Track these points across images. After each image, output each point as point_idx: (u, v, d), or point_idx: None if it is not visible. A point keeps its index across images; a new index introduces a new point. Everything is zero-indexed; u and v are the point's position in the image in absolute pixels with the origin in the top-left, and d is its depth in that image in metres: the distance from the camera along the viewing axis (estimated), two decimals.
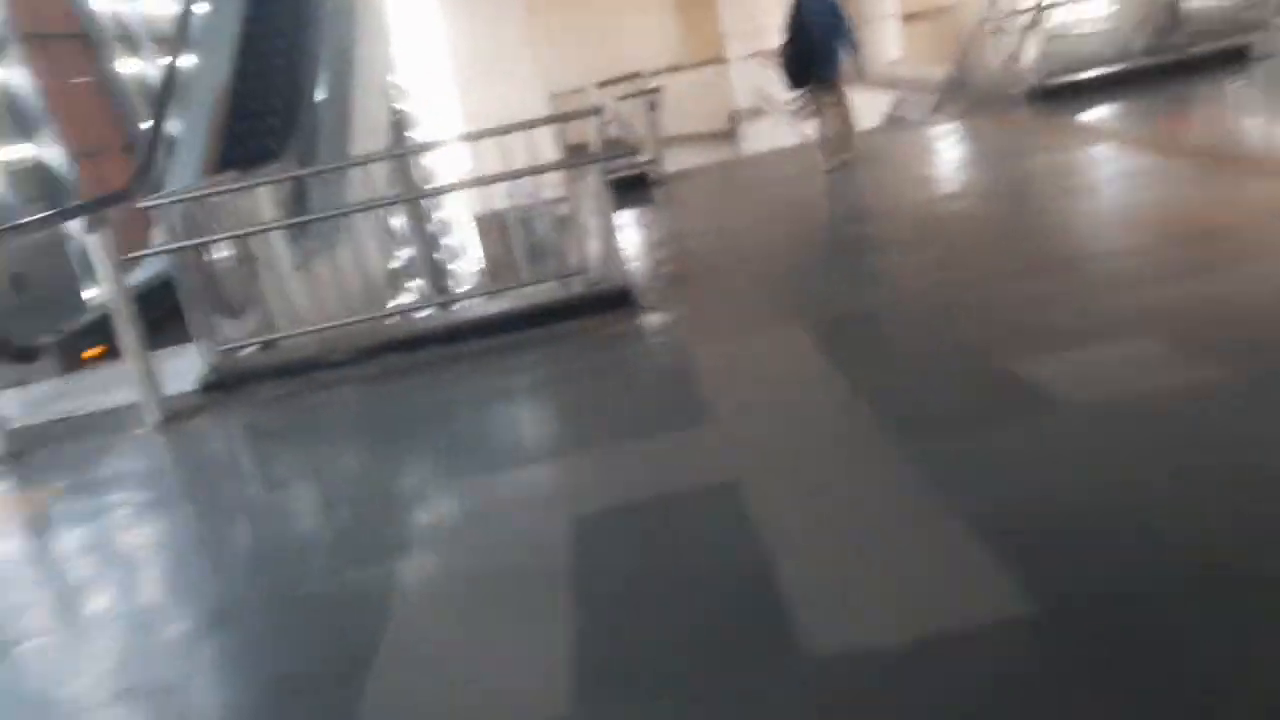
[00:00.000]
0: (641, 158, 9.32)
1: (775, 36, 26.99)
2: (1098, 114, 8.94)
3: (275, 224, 5.86)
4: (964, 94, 10.85)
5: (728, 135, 32.90)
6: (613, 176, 8.61)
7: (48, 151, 11.98)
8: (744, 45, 31.42)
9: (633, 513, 3.18)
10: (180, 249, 5.27)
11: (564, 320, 5.38)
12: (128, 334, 4.99)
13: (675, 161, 15.18)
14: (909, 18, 23.48)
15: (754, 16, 31.36)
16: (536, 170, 5.52)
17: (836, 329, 4.61)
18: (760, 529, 2.87)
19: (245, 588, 3.25)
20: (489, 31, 27.68)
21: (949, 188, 7.77)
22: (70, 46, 13.36)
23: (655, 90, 9.42)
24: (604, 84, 9.81)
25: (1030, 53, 9.86)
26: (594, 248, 5.60)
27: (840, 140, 9.15)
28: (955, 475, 2.94)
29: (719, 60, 32.58)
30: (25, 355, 6.53)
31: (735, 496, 3.11)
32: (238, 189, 5.81)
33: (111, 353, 6.72)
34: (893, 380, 3.86)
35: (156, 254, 5.54)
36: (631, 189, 9.12)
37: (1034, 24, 9.62)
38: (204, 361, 5.42)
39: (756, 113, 31.65)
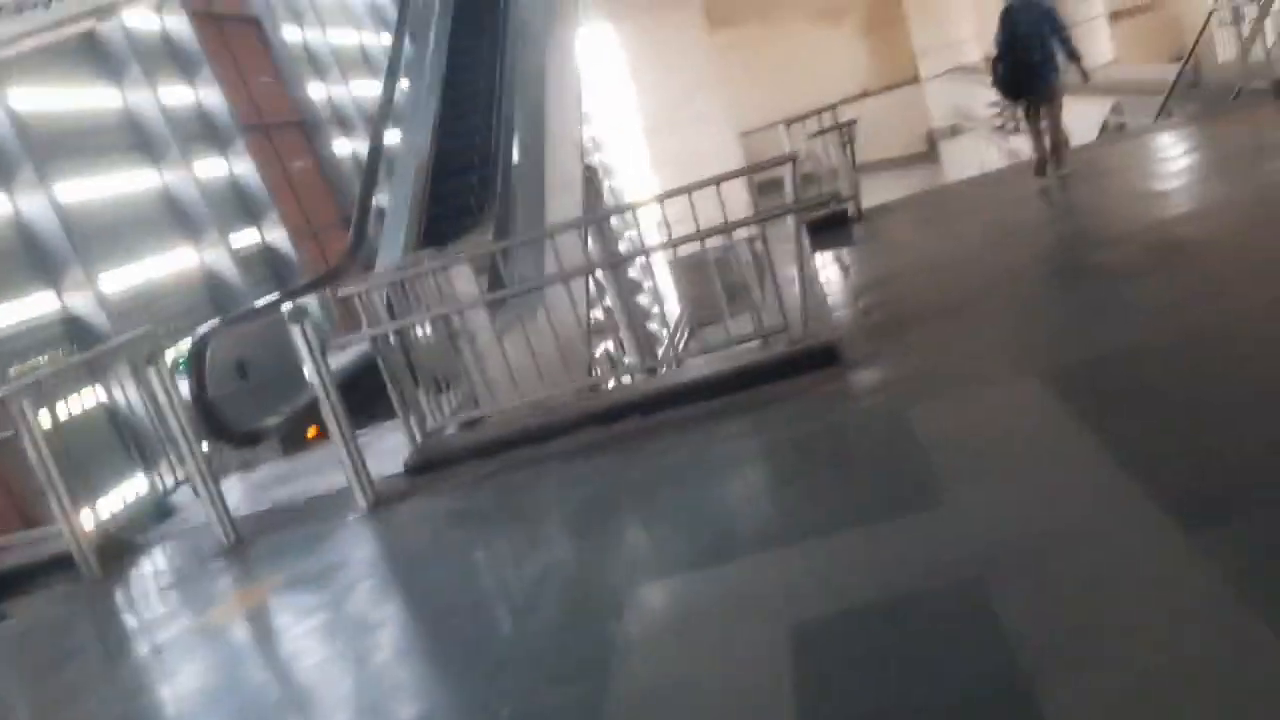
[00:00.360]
0: (840, 194, 8.87)
1: (970, 50, 25.69)
2: None
3: (473, 301, 5.83)
4: (1195, 94, 9.74)
5: (927, 157, 31.64)
6: (810, 217, 8.27)
7: (273, 234, 12.84)
8: (938, 62, 30.21)
9: (860, 620, 2.77)
10: (376, 335, 5.31)
11: (768, 383, 5.01)
12: (333, 422, 5.04)
13: (875, 193, 14.59)
14: (1116, 16, 21.78)
15: (946, 31, 30.16)
16: (728, 228, 5.21)
17: (1081, 379, 4.01)
18: (1017, 643, 2.41)
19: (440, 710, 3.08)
20: (674, 77, 27.94)
21: (1188, 204, 6.77)
22: (291, 134, 14.37)
23: (849, 124, 8.93)
24: (792, 121, 9.35)
25: (1271, 41, 8.72)
26: (794, 301, 5.22)
27: (1058, 154, 8.64)
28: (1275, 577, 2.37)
29: (912, 80, 31.45)
30: (250, 439, 6.84)
31: (983, 598, 2.65)
32: (432, 269, 5.82)
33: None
34: (1166, 444, 3.25)
35: (355, 340, 5.61)
36: (831, 228, 8.67)
37: (1267, 7, 8.49)
38: (409, 444, 5.43)
39: (956, 130, 30.29)
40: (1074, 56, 8.73)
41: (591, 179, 13.61)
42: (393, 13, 13.24)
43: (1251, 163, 7.16)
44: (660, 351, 13.39)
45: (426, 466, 5.42)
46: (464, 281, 6.34)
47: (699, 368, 5.46)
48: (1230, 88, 9.12)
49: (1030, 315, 5.20)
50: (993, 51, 9.01)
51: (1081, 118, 14.86)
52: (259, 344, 7.00)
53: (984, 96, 23.64)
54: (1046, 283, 5.81)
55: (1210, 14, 9.29)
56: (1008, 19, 8.75)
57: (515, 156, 10.78)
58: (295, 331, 4.96)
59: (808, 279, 5.39)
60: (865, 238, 8.55)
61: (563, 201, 10.55)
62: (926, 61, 30.53)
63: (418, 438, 5.46)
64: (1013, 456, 3.57)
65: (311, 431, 6.98)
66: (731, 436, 4.70)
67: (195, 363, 6.53)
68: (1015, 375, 4.25)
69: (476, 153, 10.93)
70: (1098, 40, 18.82)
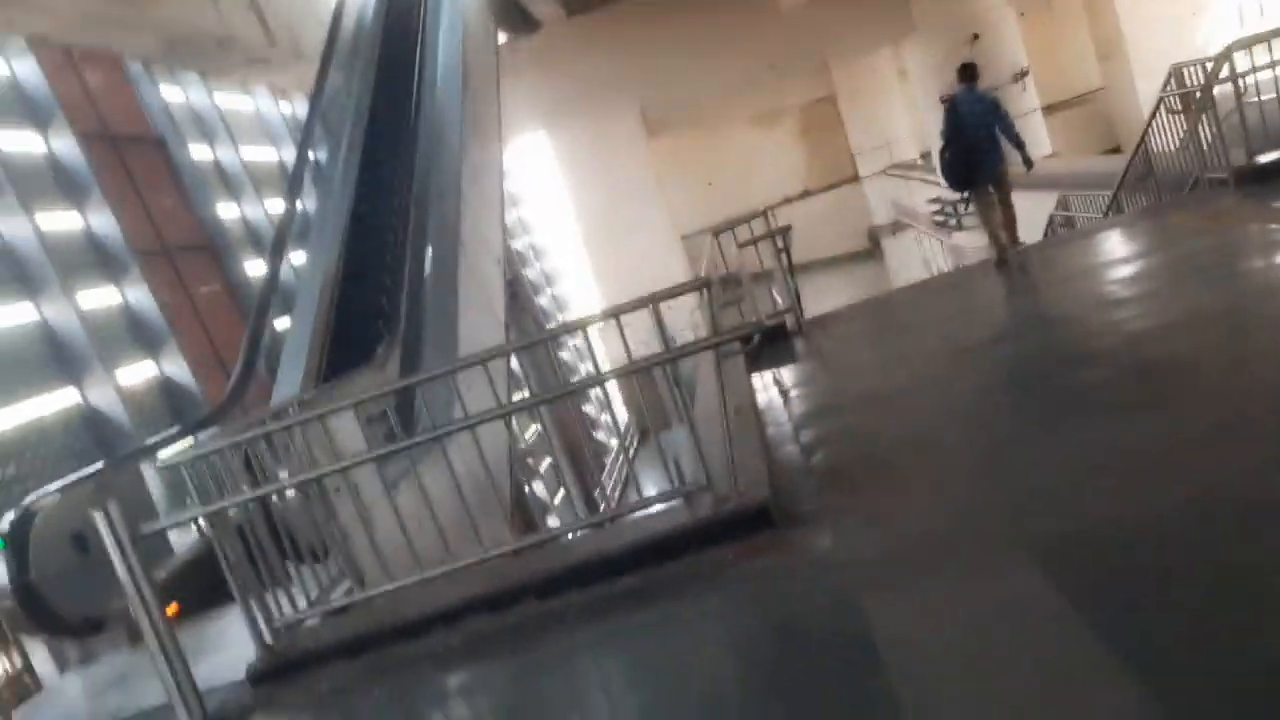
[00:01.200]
0: (767, 321, 8.08)
1: (906, 148, 25.88)
2: None
3: (355, 458, 4.83)
4: (1147, 186, 9.24)
5: (871, 254, 31.58)
6: (745, 333, 7.46)
7: (172, 366, 11.79)
8: (875, 160, 30.39)
9: None
10: (203, 514, 4.31)
11: (690, 553, 4.08)
12: (147, 626, 4.00)
13: (820, 293, 13.96)
14: (1050, 109, 21.90)
15: (882, 130, 30.42)
16: (632, 369, 4.35)
17: (1084, 560, 3.13)
18: None
19: None
20: (613, 185, 27.62)
21: (1165, 313, 5.91)
22: (197, 257, 13.44)
23: (784, 230, 8.22)
24: (719, 230, 8.61)
25: (1227, 128, 8.22)
26: (721, 450, 4.33)
27: (1012, 233, 8.87)
28: None
29: (852, 179, 31.57)
30: (90, 626, 5.71)
31: None
32: (299, 421, 4.85)
33: (188, 608, 5.85)
34: (1194, 655, 2.36)
35: (171, 526, 4.60)
36: (769, 343, 7.86)
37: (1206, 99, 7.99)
38: (255, 645, 4.38)
39: (898, 227, 30.30)
40: (1019, 144, 8.78)
41: (518, 293, 12.82)
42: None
43: (1223, 262, 6.50)
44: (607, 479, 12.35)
45: (277, 671, 4.36)
46: (347, 433, 5.38)
47: (605, 539, 4.51)
48: (1184, 178, 8.60)
49: (1005, 464, 4.29)
50: (936, 144, 9.22)
51: (1027, 213, 14.48)
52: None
53: (923, 193, 23.57)
54: (1019, 416, 4.92)
55: (1160, 101, 8.80)
56: (952, 109, 8.85)
57: (426, 274, 9.96)
58: (99, 519, 3.96)
59: (738, 420, 4.51)
60: (808, 354, 7.74)
61: (480, 321, 9.69)
62: (864, 160, 30.71)
63: (266, 636, 4.41)
64: (1005, 678, 2.65)
65: (171, 609, 5.84)
66: (641, 630, 3.75)
67: (15, 540, 5.45)
68: (997, 551, 3.35)
69: (388, 272, 10.08)
70: (1036, 133, 18.71)
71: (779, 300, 8.76)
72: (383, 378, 7.48)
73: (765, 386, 6.76)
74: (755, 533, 4.06)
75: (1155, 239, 7.89)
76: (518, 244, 27.96)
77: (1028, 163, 8.89)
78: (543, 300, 28.11)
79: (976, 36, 17.66)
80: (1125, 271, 7.17)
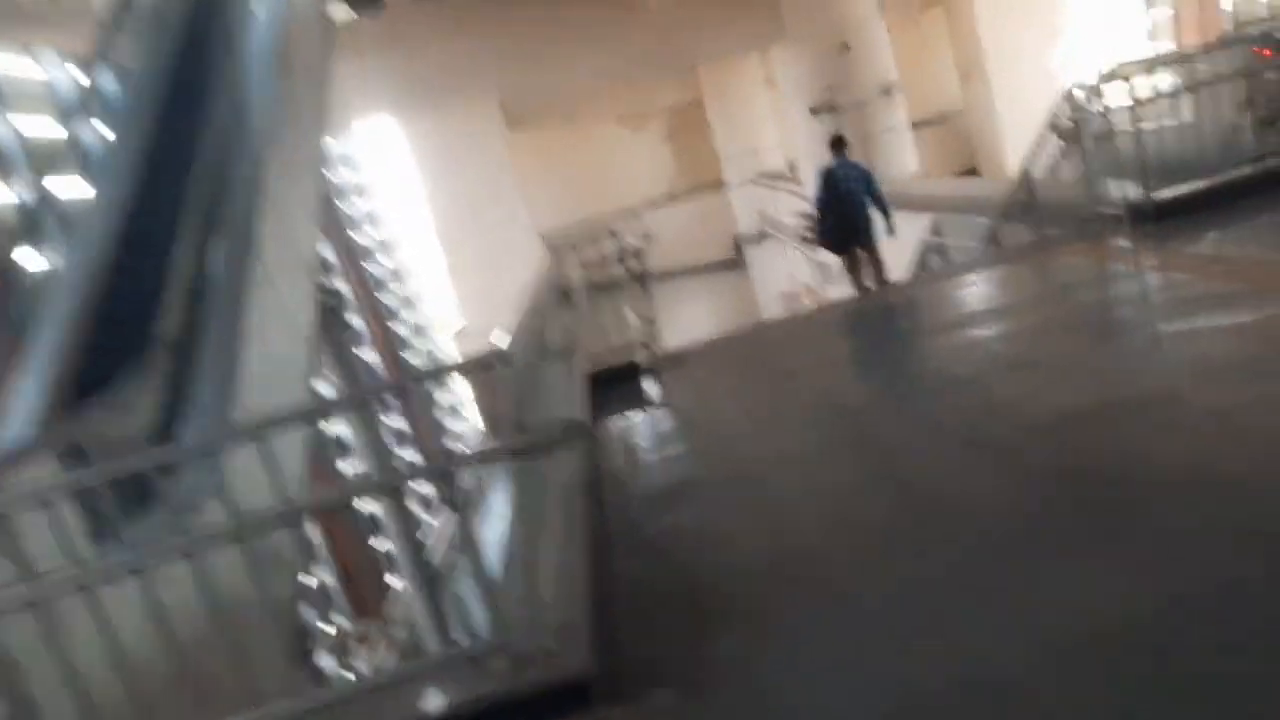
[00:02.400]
0: (630, 338, 6.89)
1: (774, 157, 25.21)
2: (1238, 240, 6.52)
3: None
4: (1033, 216, 8.49)
5: (735, 263, 30.91)
6: (594, 370, 6.25)
7: None
8: (743, 168, 29.72)
9: None
10: None
11: None
12: None
13: (680, 305, 13.04)
14: (914, 126, 21.54)
15: (749, 138, 29.76)
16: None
17: None
18: None
19: None
20: (471, 178, 25.97)
21: (1080, 388, 4.84)
22: None
23: (636, 251, 7.03)
24: (559, 247, 7.37)
25: (1122, 158, 7.50)
26: (526, 587, 3.06)
27: (878, 284, 9.70)
28: None
29: (718, 185, 30.82)
30: None
31: None
32: None
33: None
34: None
35: None
36: (616, 384, 6.65)
37: (1129, 121, 7.24)
38: None
39: (764, 237, 29.73)
40: (886, 213, 9.65)
41: (337, 307, 11.20)
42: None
43: (1145, 314, 5.66)
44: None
45: None
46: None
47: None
48: (1070, 210, 7.85)
49: (911, 606, 3.18)
50: (811, 208, 10.02)
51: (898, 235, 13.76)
52: None
53: (789, 204, 22.92)
54: (924, 528, 3.80)
55: (1053, 124, 8.05)
56: (830, 179, 9.53)
57: (210, 280, 8.30)
58: None
59: (563, 518, 3.27)
60: (661, 401, 6.56)
61: (274, 342, 8.11)
62: (731, 167, 30.01)
63: None
64: None
65: None
66: None
67: None
68: None
69: (162, 277, 8.36)
70: (902, 151, 18.19)
71: (634, 323, 7.60)
72: (125, 424, 5.90)
73: (608, 442, 5.53)
74: (567, 717, 2.81)
75: (1046, 283, 7.06)
76: (364, 240, 26.00)
77: (891, 230, 9.67)
78: (388, 297, 26.25)
79: (847, 46, 16.97)
80: (1016, 324, 6.25)
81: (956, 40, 26.82)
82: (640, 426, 5.90)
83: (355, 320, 23.31)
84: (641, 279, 7.14)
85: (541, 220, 27.83)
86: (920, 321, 7.15)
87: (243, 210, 9.10)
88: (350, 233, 24.97)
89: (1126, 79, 7.52)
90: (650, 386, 6.61)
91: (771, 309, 29.62)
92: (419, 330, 26.97)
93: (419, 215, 27.56)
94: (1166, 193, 7.11)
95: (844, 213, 9.32)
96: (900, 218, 14.12)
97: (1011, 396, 4.87)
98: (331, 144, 25.53)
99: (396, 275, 28.12)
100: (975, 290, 7.38)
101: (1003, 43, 25.35)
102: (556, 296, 7.18)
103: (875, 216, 9.49)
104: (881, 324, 7.23)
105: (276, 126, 10.28)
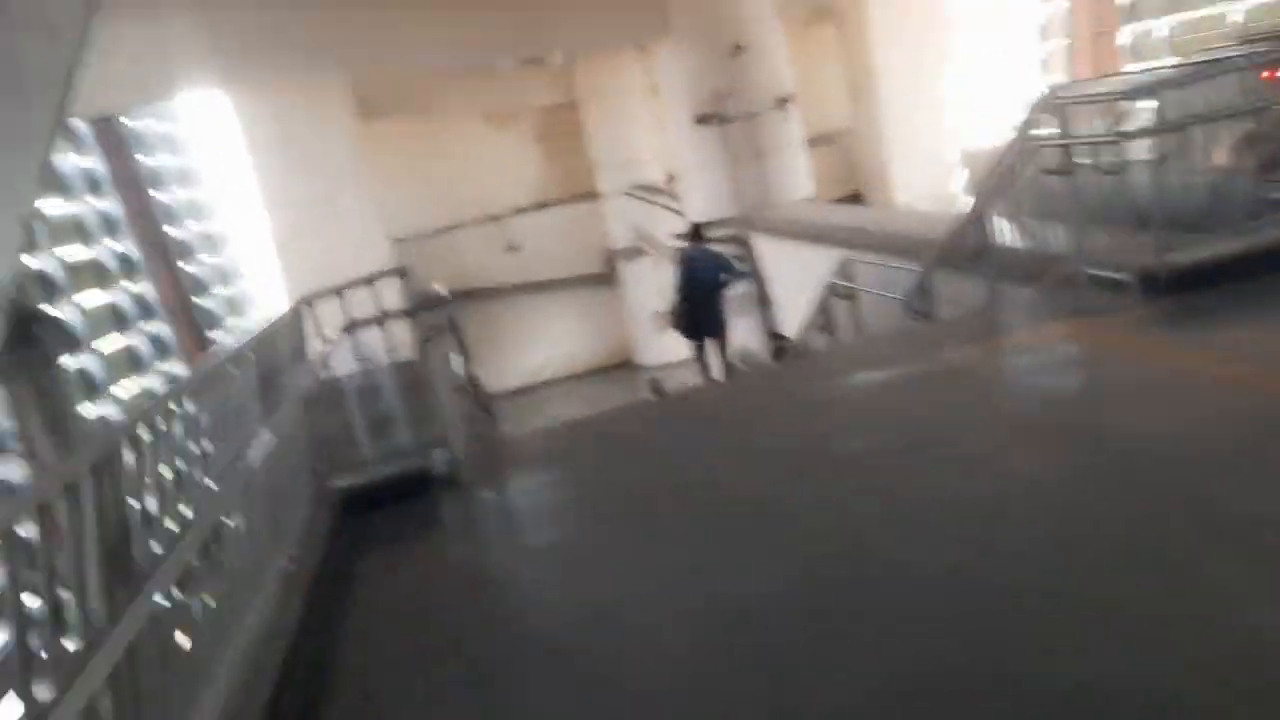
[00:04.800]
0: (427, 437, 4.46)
1: (651, 170, 23.15)
2: None
3: None
4: (984, 269, 6.47)
5: (606, 278, 28.67)
6: (363, 485, 3.87)
7: None
8: (618, 179, 27.49)
9: None
10: None
11: None
12: None
13: (547, 323, 11.64)
14: (811, 142, 19.82)
15: (625, 147, 27.59)
16: None
17: None
18: None
19: None
20: (314, 169, 22.71)
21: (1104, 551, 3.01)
22: None
23: (443, 302, 4.62)
24: (312, 300, 4.78)
25: (1112, 206, 5.56)
26: None
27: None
28: None
29: (591, 195, 28.49)
30: None
31: None
32: None
33: None
34: None
35: None
36: (394, 501, 4.22)
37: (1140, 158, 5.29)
38: None
39: (636, 253, 27.62)
40: (740, 276, 10.28)
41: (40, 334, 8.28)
42: None
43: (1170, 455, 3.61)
44: None
45: None
46: None
47: None
48: (1043, 265, 5.88)
49: None
50: (672, 291, 10.09)
51: (791, 276, 11.73)
52: None
53: (668, 222, 20.87)
54: None
55: (1012, 148, 6.03)
56: (687, 265, 9.83)
57: None
58: None
59: None
60: (460, 540, 4.16)
61: None
62: (605, 176, 27.76)
63: None
64: None
65: None
66: None
67: None
68: None
69: None
70: (796, 171, 16.32)
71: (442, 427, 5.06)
72: None
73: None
74: None
75: (1016, 397, 4.95)
76: (182, 233, 22.63)
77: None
78: (211, 302, 22.95)
79: (740, 48, 14.97)
80: (976, 493, 4.07)
81: (846, 58, 25.42)
82: (404, 629, 3.51)
83: (163, 329, 20.03)
84: (459, 338, 4.78)
85: (394, 222, 24.97)
86: (841, 418, 5.01)
87: None
88: (165, 226, 21.64)
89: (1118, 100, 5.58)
90: (450, 510, 4.21)
91: (642, 329, 27.56)
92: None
93: (250, 207, 24.24)
94: (1182, 256, 5.17)
95: (696, 301, 9.53)
96: (795, 250, 12.20)
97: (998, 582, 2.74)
98: (138, 122, 22.09)
99: (223, 276, 24.77)
100: (917, 380, 5.27)
101: (894, 64, 24.09)
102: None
103: (727, 304, 9.79)
104: (785, 429, 5.04)
105: None
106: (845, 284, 8.77)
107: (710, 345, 9.98)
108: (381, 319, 4.36)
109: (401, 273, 4.71)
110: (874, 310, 8.30)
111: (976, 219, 6.45)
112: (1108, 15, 23.92)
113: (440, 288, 4.78)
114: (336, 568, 3.59)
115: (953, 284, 6.86)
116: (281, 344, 3.86)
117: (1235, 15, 19.54)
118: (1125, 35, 23.26)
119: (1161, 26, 22.23)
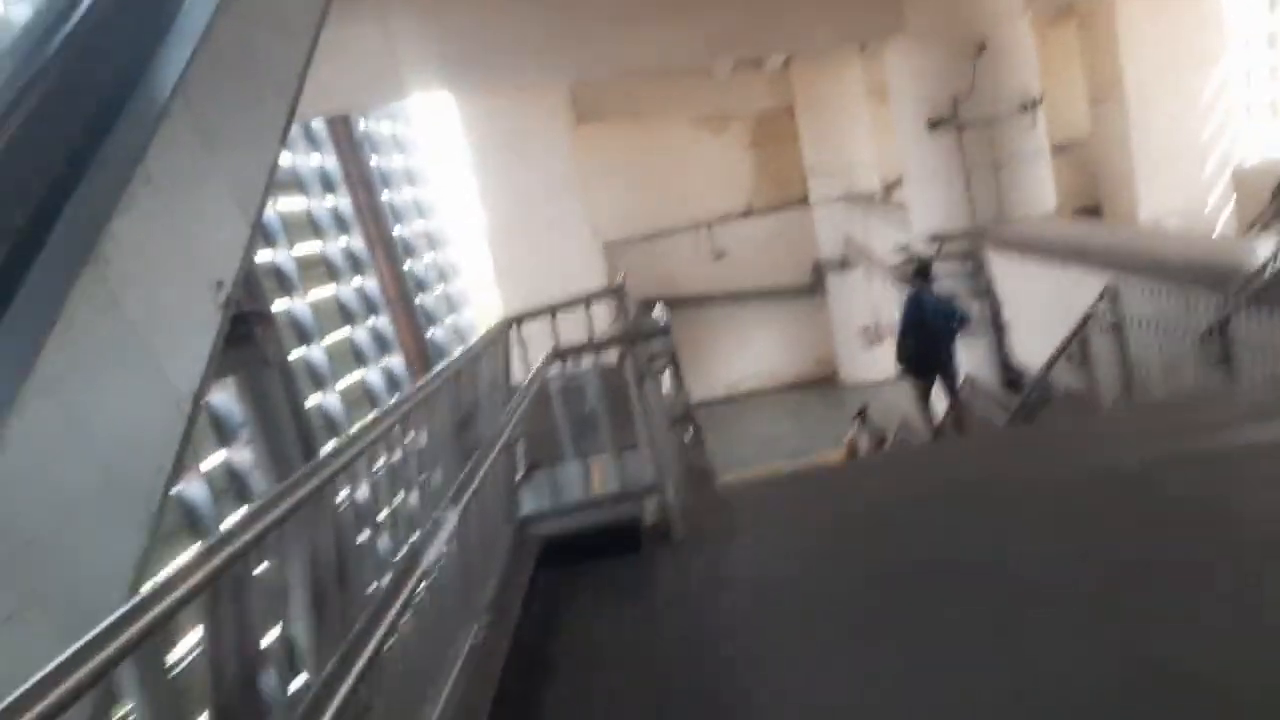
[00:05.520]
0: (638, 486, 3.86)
1: (868, 176, 22.00)
2: None
3: None
4: None
5: (812, 290, 27.66)
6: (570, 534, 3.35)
7: None
8: (831, 185, 26.41)
9: None
10: None
11: None
12: None
13: (749, 334, 11.52)
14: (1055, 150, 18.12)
15: (842, 152, 26.46)
16: None
17: None
18: None
19: None
20: (531, 172, 22.93)
21: None
22: None
23: (658, 333, 4.02)
24: (554, 309, 4.28)
25: None
26: None
27: (960, 424, 10.15)
28: None
29: (801, 202, 27.53)
30: None
31: None
32: None
33: None
34: None
35: None
36: (592, 558, 3.64)
37: None
38: None
39: (845, 264, 26.48)
40: (967, 324, 10.07)
41: (255, 335, 8.30)
42: None
43: None
44: None
45: None
46: None
47: None
48: None
49: None
50: (895, 324, 10.35)
51: (1047, 295, 10.47)
52: None
53: (886, 234, 19.69)
54: None
55: None
56: (916, 302, 9.79)
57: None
58: None
59: None
60: (669, 612, 3.53)
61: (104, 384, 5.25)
62: (818, 183, 26.72)
63: None
64: None
65: None
66: None
67: None
68: None
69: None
70: (1039, 183, 14.87)
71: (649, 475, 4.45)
72: None
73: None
74: None
75: None
76: (406, 232, 23.38)
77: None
78: (429, 299, 23.58)
79: (983, 46, 13.74)
80: None
81: (1090, 59, 23.28)
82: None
83: (383, 323, 20.68)
84: (676, 367, 4.17)
85: (604, 226, 24.97)
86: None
87: (112, 179, 6.21)
88: (391, 224, 22.34)
89: None
90: (663, 571, 3.58)
91: (848, 344, 26.38)
92: (460, 337, 24.34)
93: (469, 207, 24.83)
94: None
95: (927, 336, 9.56)
96: (1040, 270, 10.95)
97: None
98: (375, 124, 22.99)
99: (441, 274, 25.45)
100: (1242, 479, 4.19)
101: (1145, 66, 21.82)
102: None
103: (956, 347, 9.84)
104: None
105: (209, 78, 7.39)
106: (1111, 315, 7.59)
107: (939, 385, 10.08)
108: (595, 348, 3.82)
109: (618, 293, 4.16)
110: (1147, 348, 7.12)
111: None
112: None
113: (661, 313, 4.25)
114: (532, 639, 3.05)
115: (1262, 326, 5.65)
116: (484, 372, 3.40)
117: None
118: None
119: None
